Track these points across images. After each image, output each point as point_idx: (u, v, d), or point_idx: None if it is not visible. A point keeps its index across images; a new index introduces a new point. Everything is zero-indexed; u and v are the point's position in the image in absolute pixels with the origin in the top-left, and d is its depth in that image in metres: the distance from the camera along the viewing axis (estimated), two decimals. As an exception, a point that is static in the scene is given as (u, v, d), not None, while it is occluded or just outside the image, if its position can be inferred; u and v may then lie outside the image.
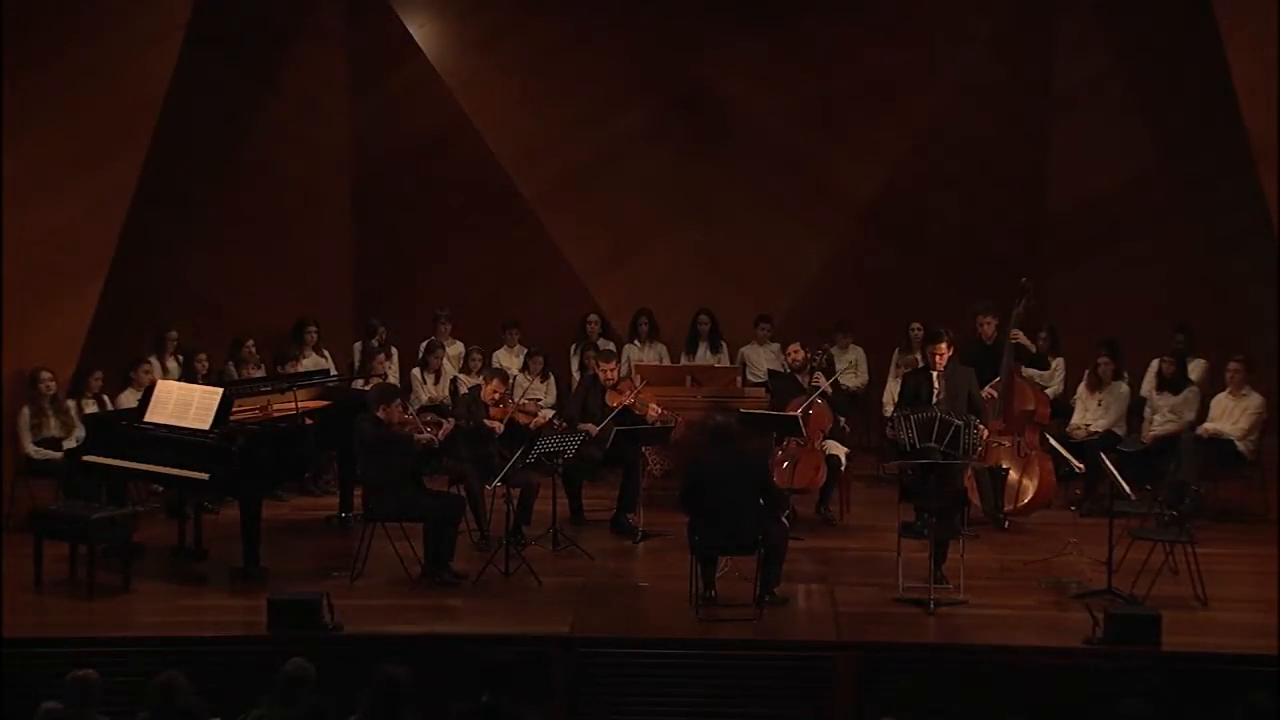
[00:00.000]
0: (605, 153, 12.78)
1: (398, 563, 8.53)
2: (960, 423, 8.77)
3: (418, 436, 8.73)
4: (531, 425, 9.52)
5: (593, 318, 12.02)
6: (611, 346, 11.40)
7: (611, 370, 10.00)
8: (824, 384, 9.77)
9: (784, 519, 8.75)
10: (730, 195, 12.81)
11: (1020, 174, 12.68)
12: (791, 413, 9.55)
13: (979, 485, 9.51)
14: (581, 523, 9.74)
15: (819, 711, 7.34)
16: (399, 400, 8.83)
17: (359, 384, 11.10)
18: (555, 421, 9.89)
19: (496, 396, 9.42)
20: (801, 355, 9.96)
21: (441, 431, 8.99)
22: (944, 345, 9.17)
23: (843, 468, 9.75)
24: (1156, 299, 11.83)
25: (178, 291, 11.88)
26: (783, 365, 11.82)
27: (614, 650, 7.54)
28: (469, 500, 9.03)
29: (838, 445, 9.78)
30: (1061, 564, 8.85)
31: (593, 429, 9.68)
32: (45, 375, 9.71)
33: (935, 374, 9.22)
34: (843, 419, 9.94)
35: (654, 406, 9.92)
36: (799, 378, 9.91)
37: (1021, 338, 9.91)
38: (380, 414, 8.59)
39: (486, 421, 9.30)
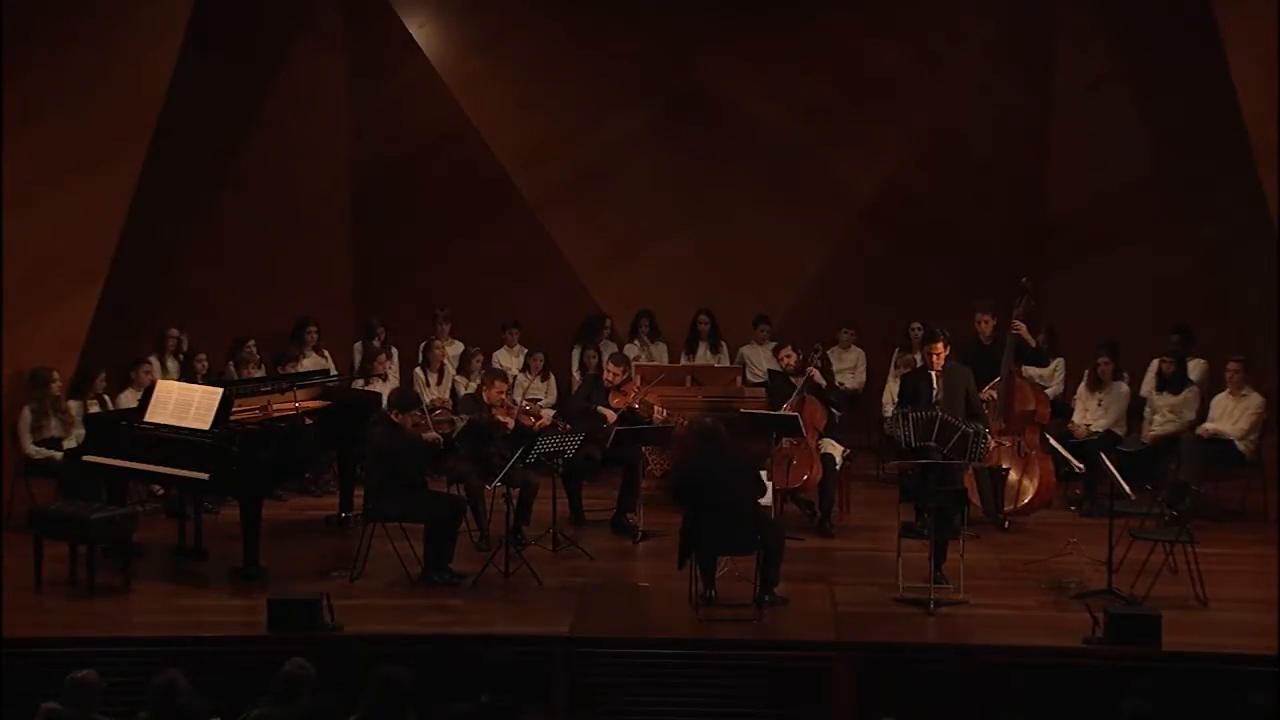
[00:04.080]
0: (605, 153, 12.77)
1: (398, 563, 8.53)
2: (971, 431, 8.72)
3: (428, 435, 8.72)
4: (536, 426, 9.53)
5: (608, 321, 12.04)
6: (614, 348, 11.42)
7: (616, 373, 10.00)
8: (815, 375, 9.76)
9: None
10: (730, 195, 12.80)
11: (1020, 174, 12.68)
12: (782, 412, 9.56)
13: (979, 485, 9.50)
14: (581, 523, 9.74)
15: (819, 711, 7.34)
16: (417, 410, 8.84)
17: (359, 384, 11.10)
18: (560, 424, 9.91)
19: (501, 398, 9.43)
20: (794, 359, 9.93)
21: (456, 430, 8.98)
22: (940, 345, 9.16)
23: (838, 467, 9.74)
24: (1156, 299, 11.82)
25: (178, 291, 11.88)
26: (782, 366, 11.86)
27: (614, 650, 7.54)
28: (469, 500, 9.03)
29: (834, 444, 9.77)
30: (1061, 564, 8.84)
31: (610, 414, 9.68)
32: (54, 375, 9.70)
33: (934, 374, 9.21)
34: (835, 410, 9.92)
35: (660, 409, 9.92)
36: (793, 380, 9.90)
37: (1022, 330, 9.91)
38: (396, 418, 8.61)
39: (501, 418, 9.30)
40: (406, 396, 9.07)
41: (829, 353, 11.08)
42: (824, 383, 9.86)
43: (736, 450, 8.14)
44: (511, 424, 9.35)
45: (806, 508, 9.84)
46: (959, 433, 8.68)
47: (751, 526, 7.92)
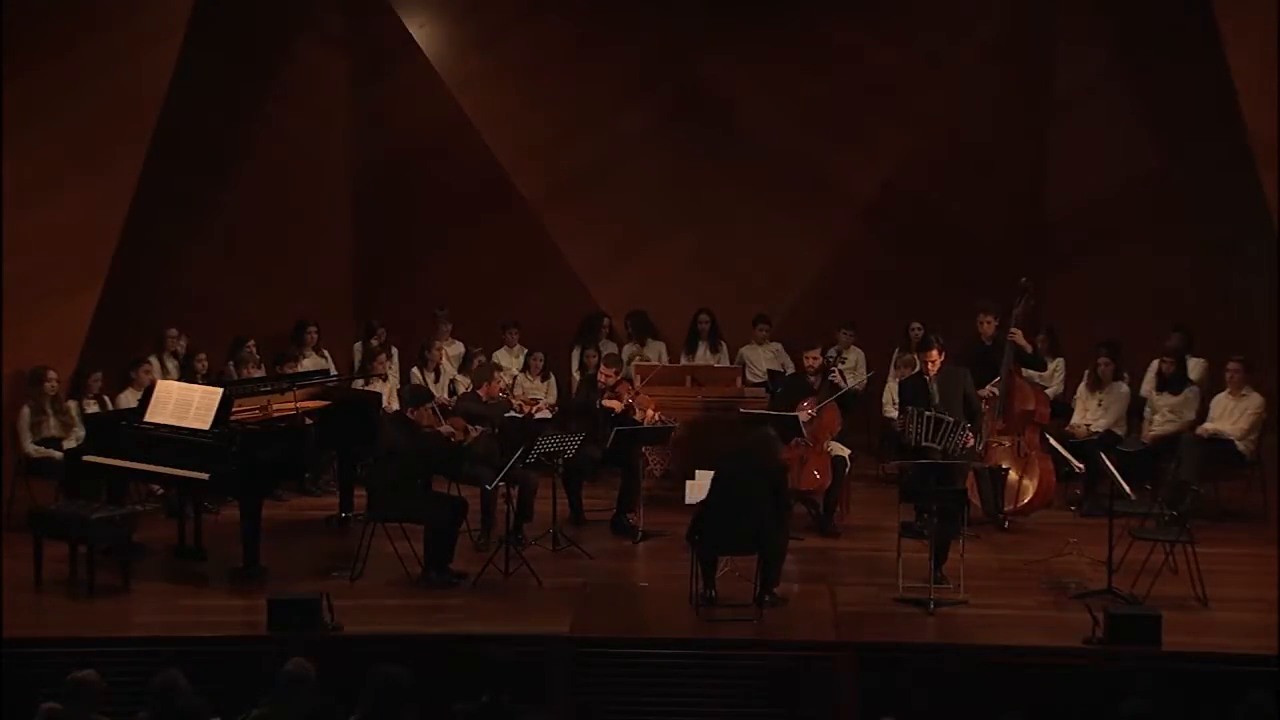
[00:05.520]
0: (605, 153, 12.78)
1: (398, 563, 8.52)
2: (950, 420, 8.76)
3: (443, 429, 8.73)
4: (535, 414, 9.63)
5: (606, 320, 12.05)
6: (614, 348, 11.41)
7: (609, 375, 10.01)
8: (837, 378, 9.81)
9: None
10: (730, 195, 12.81)
11: (1020, 174, 12.68)
12: (798, 413, 9.56)
13: (979, 485, 9.51)
14: (581, 523, 9.73)
15: (819, 711, 7.34)
16: (430, 404, 8.84)
17: (359, 384, 11.10)
18: (554, 408, 10.00)
19: (501, 392, 9.56)
20: (820, 361, 9.94)
21: (468, 439, 8.98)
22: (934, 352, 9.16)
23: (847, 470, 9.76)
24: (1156, 299, 11.82)
25: (178, 291, 11.88)
26: (782, 366, 11.85)
27: (614, 650, 7.54)
28: (482, 500, 9.03)
29: (840, 446, 9.78)
30: (1061, 564, 8.85)
31: (618, 404, 9.74)
32: (50, 374, 9.71)
33: (929, 379, 9.21)
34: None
35: (650, 412, 9.91)
36: (811, 380, 9.90)
37: (1018, 337, 9.91)
38: (410, 415, 8.61)
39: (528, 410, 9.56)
40: (417, 392, 9.12)
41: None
42: (845, 386, 9.88)
43: (773, 464, 8.10)
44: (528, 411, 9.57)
45: (813, 507, 9.82)
46: (944, 424, 8.70)
47: (756, 529, 7.90)
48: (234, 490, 8.60)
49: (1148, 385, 10.53)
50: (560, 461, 9.11)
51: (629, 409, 9.82)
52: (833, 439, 9.75)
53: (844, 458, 9.71)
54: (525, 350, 11.79)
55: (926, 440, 8.84)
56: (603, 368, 10.13)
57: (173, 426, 8.61)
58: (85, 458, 8.93)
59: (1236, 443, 9.87)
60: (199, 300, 11.91)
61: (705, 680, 7.43)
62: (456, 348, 11.86)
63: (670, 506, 9.51)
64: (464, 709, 5.92)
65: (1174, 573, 8.22)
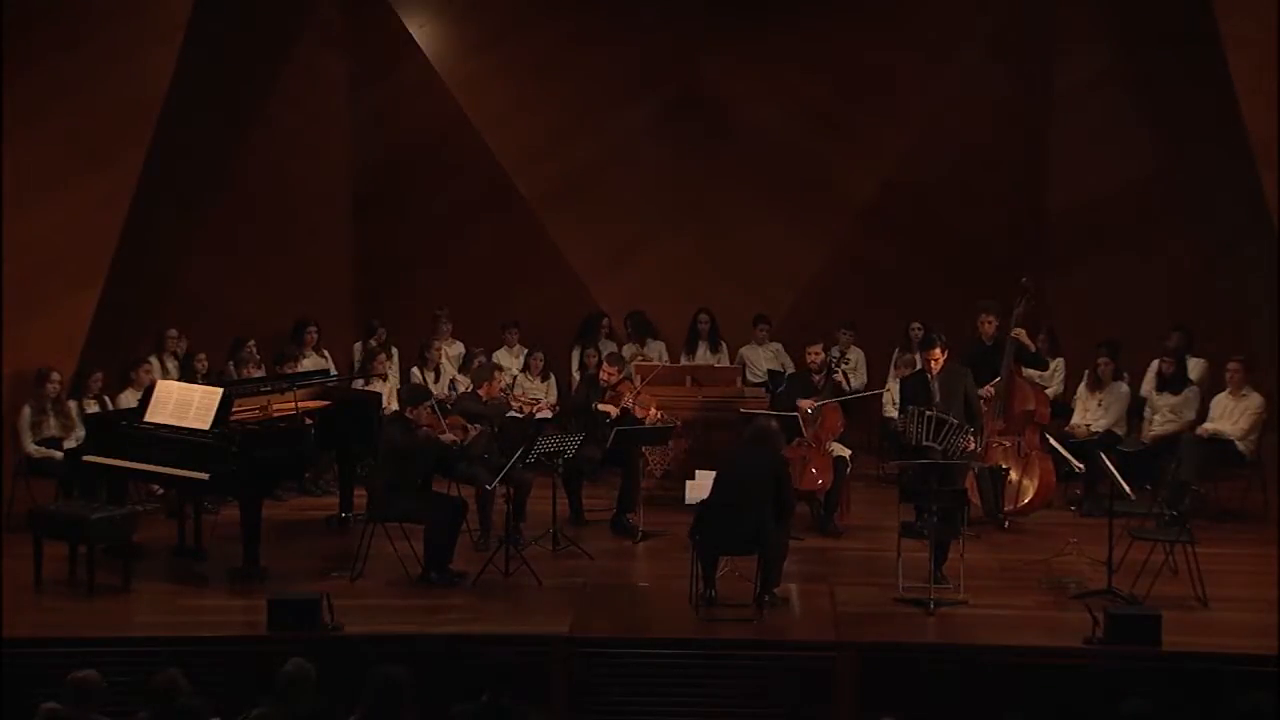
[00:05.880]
0: (605, 153, 12.78)
1: (398, 563, 8.52)
2: (955, 422, 8.78)
3: (443, 437, 8.74)
4: (536, 413, 9.60)
5: (606, 320, 12.05)
6: (614, 347, 11.41)
7: (611, 374, 10.00)
8: (846, 381, 9.85)
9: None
10: (730, 195, 12.81)
11: (1020, 174, 12.69)
12: (795, 412, 9.56)
13: (979, 485, 9.50)
14: (581, 523, 9.73)
15: (819, 711, 7.34)
16: (428, 403, 8.84)
17: (359, 384, 11.10)
18: (554, 408, 10.02)
19: (500, 390, 9.57)
20: (822, 357, 9.94)
21: (468, 437, 8.99)
22: (937, 351, 9.15)
23: (848, 470, 9.76)
24: (1156, 299, 11.82)
25: (178, 291, 11.88)
26: (782, 366, 11.85)
27: (614, 650, 7.54)
28: (478, 500, 9.03)
29: (841, 446, 9.78)
30: (1061, 564, 8.84)
31: (614, 409, 9.73)
32: (54, 375, 9.70)
33: (930, 378, 9.20)
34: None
35: (653, 410, 9.91)
36: (815, 378, 9.90)
37: (1023, 336, 9.91)
38: (409, 414, 8.62)
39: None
40: (415, 391, 9.11)
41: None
42: (849, 387, 9.89)
43: (775, 456, 8.10)
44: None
45: (815, 507, 9.81)
46: (946, 425, 8.72)
47: (756, 530, 7.89)
48: (234, 490, 8.59)
49: (1148, 385, 10.53)
50: (560, 461, 9.11)
51: (625, 413, 9.82)
52: (834, 439, 9.75)
53: (845, 458, 9.72)
54: (525, 350, 11.79)
55: (927, 440, 8.84)
56: (605, 366, 10.13)
57: (173, 426, 8.60)
58: (85, 458, 8.93)
59: (1236, 443, 9.87)
60: (199, 300, 11.90)
61: (705, 680, 7.43)
62: (456, 348, 11.85)
63: (670, 506, 9.51)
64: (464, 709, 5.92)
65: (1174, 573, 8.22)
